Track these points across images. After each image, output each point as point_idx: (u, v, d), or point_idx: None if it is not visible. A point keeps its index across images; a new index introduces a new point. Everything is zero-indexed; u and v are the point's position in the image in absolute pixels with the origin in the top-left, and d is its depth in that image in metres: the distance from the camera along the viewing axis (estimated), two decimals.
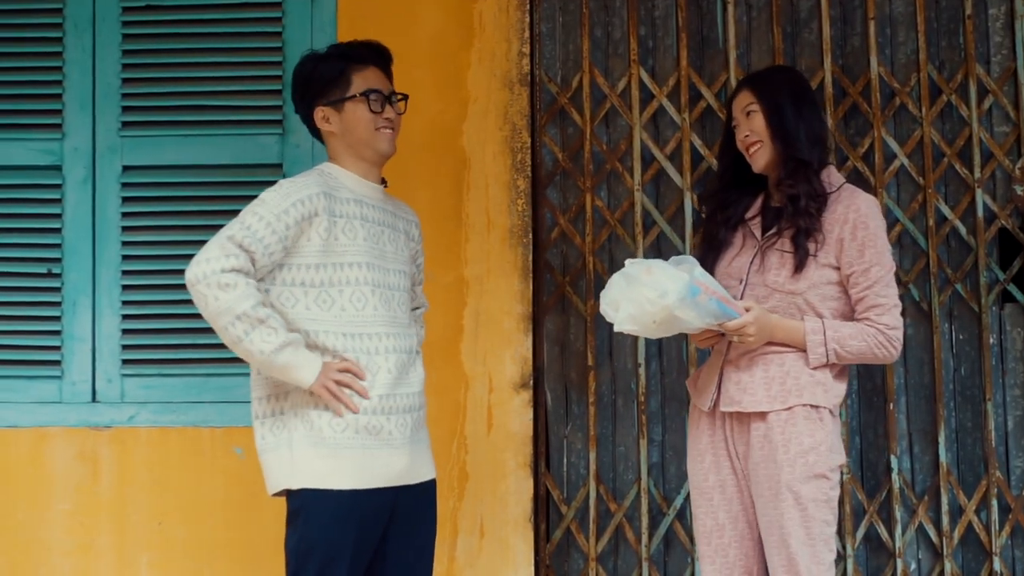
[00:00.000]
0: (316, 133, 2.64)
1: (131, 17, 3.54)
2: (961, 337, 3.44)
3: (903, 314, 2.61)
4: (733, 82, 3.45)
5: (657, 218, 3.50)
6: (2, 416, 3.45)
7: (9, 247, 3.52)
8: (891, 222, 3.36)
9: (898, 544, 3.37)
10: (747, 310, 2.51)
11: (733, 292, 2.62)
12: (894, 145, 3.46)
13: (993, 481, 3.36)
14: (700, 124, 3.53)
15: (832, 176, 2.66)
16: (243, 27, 3.53)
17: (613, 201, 3.55)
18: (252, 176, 3.46)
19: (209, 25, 3.53)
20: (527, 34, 3.51)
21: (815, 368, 2.56)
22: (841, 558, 3.34)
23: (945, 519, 3.36)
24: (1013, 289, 3.43)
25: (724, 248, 2.72)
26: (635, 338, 3.44)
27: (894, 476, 3.38)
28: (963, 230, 3.43)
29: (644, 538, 3.42)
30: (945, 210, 3.44)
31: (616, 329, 2.49)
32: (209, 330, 3.39)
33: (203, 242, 3.42)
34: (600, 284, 3.42)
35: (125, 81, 3.52)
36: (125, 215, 3.50)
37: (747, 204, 2.73)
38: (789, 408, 2.54)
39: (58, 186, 3.51)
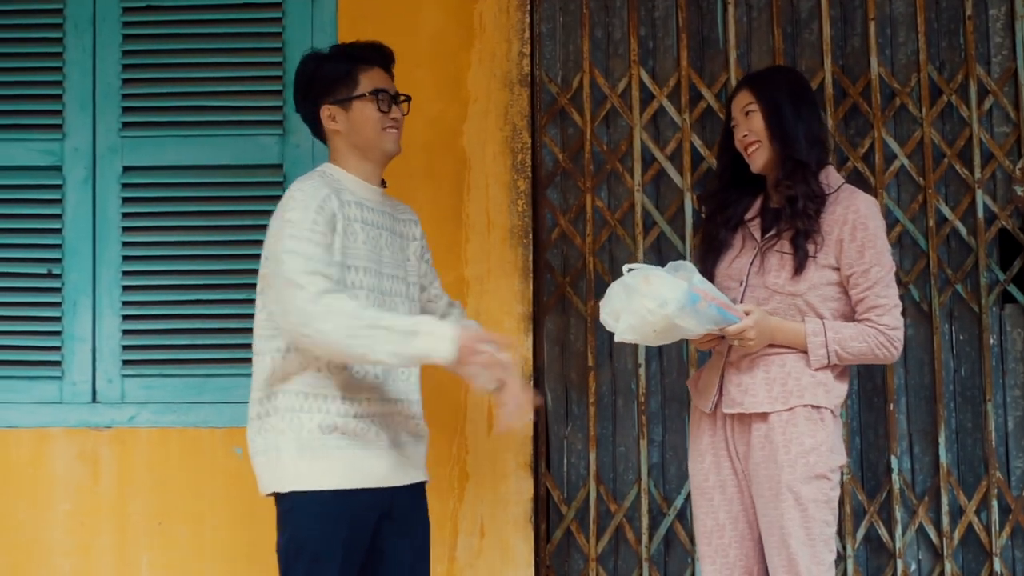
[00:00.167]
0: (318, 133, 2.63)
1: (131, 17, 3.53)
2: (961, 338, 3.44)
3: (903, 314, 2.61)
4: (733, 82, 3.44)
5: (657, 218, 3.50)
6: (3, 416, 3.45)
7: (9, 247, 3.51)
8: (891, 223, 3.36)
9: (898, 545, 3.37)
10: (747, 314, 2.51)
11: (733, 294, 2.62)
12: (894, 145, 3.46)
13: (993, 482, 3.36)
14: (700, 124, 3.53)
15: (831, 177, 2.66)
16: (243, 27, 3.53)
17: (613, 201, 3.54)
18: (252, 176, 3.46)
19: (209, 25, 3.53)
20: (527, 34, 3.50)
21: (816, 369, 2.56)
22: (841, 558, 3.34)
23: (945, 520, 3.36)
24: (1013, 290, 3.43)
25: (724, 249, 2.72)
26: None
27: (894, 476, 3.38)
28: (963, 231, 3.43)
29: (644, 538, 3.42)
30: (945, 211, 3.44)
31: (617, 339, 2.49)
32: (209, 330, 3.46)
33: (203, 242, 3.48)
34: (600, 284, 3.42)
35: (125, 81, 3.52)
36: (125, 215, 3.49)
37: (747, 204, 2.73)
38: (790, 409, 2.54)
39: (58, 186, 3.51)
